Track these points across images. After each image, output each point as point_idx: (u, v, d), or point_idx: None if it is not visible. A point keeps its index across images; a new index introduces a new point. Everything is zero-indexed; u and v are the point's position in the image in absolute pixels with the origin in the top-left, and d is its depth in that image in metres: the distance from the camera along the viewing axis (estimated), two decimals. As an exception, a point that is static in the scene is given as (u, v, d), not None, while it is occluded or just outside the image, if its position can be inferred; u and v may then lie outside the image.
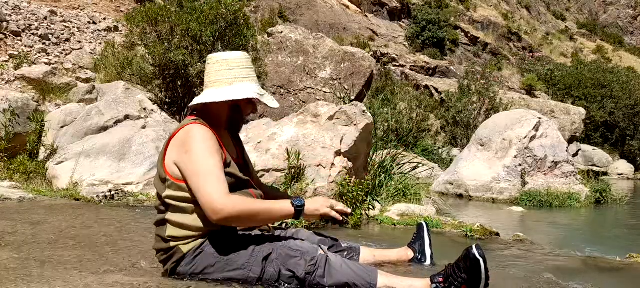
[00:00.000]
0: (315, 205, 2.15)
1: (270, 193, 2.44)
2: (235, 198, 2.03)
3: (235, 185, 2.13)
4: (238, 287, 2.06)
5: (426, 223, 2.74)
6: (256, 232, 2.27)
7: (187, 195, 2.07)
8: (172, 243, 2.11)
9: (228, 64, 2.19)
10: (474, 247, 2.02)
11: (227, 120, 2.23)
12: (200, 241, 2.10)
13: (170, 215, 2.11)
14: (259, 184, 2.42)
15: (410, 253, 2.65)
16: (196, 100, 2.20)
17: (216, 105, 2.19)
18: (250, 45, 9.29)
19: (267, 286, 2.06)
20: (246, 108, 2.25)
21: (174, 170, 2.09)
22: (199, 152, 2.04)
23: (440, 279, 2.05)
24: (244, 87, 2.17)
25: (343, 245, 2.47)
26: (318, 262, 2.05)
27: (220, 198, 1.98)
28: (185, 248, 2.10)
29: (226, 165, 2.12)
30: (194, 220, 2.08)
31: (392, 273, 2.19)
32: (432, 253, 2.65)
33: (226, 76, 2.18)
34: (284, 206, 2.11)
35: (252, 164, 2.48)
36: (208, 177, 2.00)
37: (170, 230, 2.11)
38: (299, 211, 2.09)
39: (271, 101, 2.25)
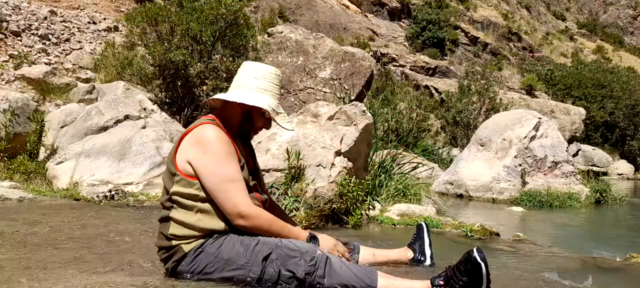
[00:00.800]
0: (328, 244, 2.27)
1: (276, 209, 2.45)
2: (263, 211, 2.16)
3: None
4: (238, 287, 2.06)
5: (426, 223, 2.74)
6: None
7: (195, 192, 2.09)
8: (173, 242, 2.12)
9: (255, 73, 2.24)
10: (475, 250, 2.01)
11: (238, 126, 2.25)
12: (201, 241, 2.11)
13: (174, 213, 2.13)
14: (265, 192, 2.44)
15: (410, 254, 2.65)
16: (216, 96, 2.24)
17: (231, 108, 2.23)
18: (250, 45, 9.28)
19: (266, 286, 2.06)
20: (258, 119, 2.26)
21: (186, 167, 2.10)
22: (219, 155, 2.08)
23: (441, 282, 2.04)
24: (260, 97, 2.19)
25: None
26: (318, 262, 2.06)
27: (248, 207, 2.09)
28: (186, 248, 2.11)
29: (241, 167, 2.16)
30: (197, 220, 2.10)
31: (391, 274, 2.18)
32: (431, 254, 2.65)
33: (249, 83, 2.22)
34: (300, 235, 2.22)
35: (260, 169, 2.50)
36: (232, 182, 2.08)
37: (173, 228, 2.12)
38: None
39: (286, 123, 2.24)
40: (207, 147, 2.08)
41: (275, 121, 2.24)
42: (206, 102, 2.33)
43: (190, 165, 2.09)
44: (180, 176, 2.11)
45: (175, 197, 2.12)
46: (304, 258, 2.06)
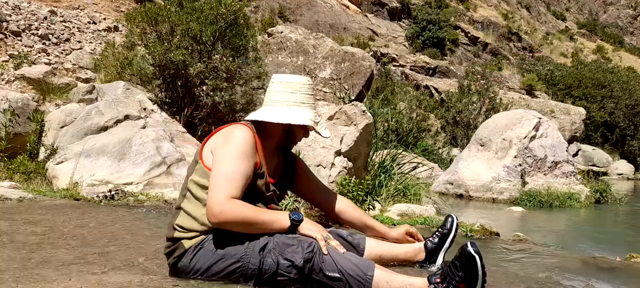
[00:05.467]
0: (312, 227, 2.14)
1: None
2: (237, 203, 2.04)
3: (256, 197, 2.17)
4: (238, 286, 2.06)
5: (457, 222, 2.59)
6: None
7: (207, 183, 2.12)
8: (176, 234, 2.14)
9: (291, 88, 2.26)
10: (468, 244, 2.01)
11: (280, 141, 2.33)
12: (201, 238, 2.12)
13: (185, 203, 2.17)
14: (327, 201, 2.53)
15: (422, 255, 2.53)
16: (254, 116, 2.26)
17: (271, 125, 2.26)
18: (250, 45, 9.28)
19: (266, 278, 2.06)
20: (299, 133, 2.33)
21: (208, 156, 2.16)
22: (231, 151, 2.10)
23: (438, 279, 2.05)
24: (301, 112, 2.24)
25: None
26: (315, 248, 2.05)
27: (222, 202, 2.00)
28: (187, 244, 2.12)
29: (259, 175, 2.17)
30: (202, 214, 2.11)
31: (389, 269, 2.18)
32: (443, 262, 2.50)
33: (286, 98, 2.25)
34: (282, 219, 2.12)
35: (314, 183, 2.56)
36: (225, 178, 2.05)
37: (180, 219, 2.16)
38: (294, 225, 2.11)
39: (324, 130, 2.31)
40: (228, 141, 2.13)
41: (315, 131, 2.31)
42: (243, 121, 2.30)
43: (212, 154, 2.15)
44: (200, 164, 2.17)
45: (190, 186, 2.17)
46: (301, 246, 2.06)
